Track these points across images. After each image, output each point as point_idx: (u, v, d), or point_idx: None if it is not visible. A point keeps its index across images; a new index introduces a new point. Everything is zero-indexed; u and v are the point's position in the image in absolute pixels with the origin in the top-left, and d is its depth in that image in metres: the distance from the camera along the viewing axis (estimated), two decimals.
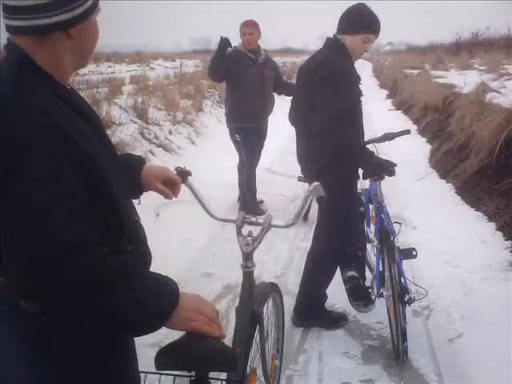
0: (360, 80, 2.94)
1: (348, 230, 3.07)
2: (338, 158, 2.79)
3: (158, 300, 1.13)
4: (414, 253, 2.95)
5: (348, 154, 2.76)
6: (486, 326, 2.94)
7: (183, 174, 1.75)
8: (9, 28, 1.14)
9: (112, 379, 1.24)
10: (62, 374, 1.15)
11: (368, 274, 3.29)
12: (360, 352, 2.88)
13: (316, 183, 1.81)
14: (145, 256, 1.35)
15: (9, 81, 1.10)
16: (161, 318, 1.14)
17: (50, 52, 1.15)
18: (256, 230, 1.79)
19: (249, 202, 5.26)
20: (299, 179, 4.32)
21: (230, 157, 5.86)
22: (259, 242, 1.76)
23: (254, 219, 1.82)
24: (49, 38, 1.13)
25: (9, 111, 1.04)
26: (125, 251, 1.24)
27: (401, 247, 2.93)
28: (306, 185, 3.58)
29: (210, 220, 1.97)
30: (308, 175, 3.14)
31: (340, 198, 2.83)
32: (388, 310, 2.92)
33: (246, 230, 1.80)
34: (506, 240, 4.08)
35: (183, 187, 1.74)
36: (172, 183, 1.61)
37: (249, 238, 1.77)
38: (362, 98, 2.94)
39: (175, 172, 1.71)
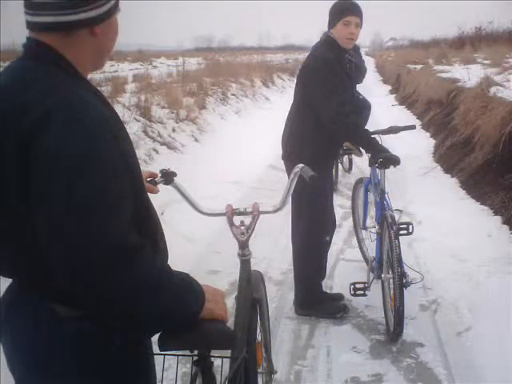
0: (361, 69, 3.04)
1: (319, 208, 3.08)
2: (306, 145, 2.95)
3: (194, 297, 1.18)
4: (410, 228, 2.95)
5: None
6: (493, 319, 2.94)
7: (168, 176, 1.80)
8: (33, 25, 1.10)
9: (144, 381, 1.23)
10: (96, 377, 1.12)
11: (364, 266, 3.32)
12: (368, 347, 2.88)
13: (301, 165, 1.86)
14: (165, 252, 1.36)
15: (57, 80, 1.06)
16: (197, 313, 1.19)
17: (76, 50, 1.12)
18: (247, 219, 1.85)
19: None
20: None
21: (232, 154, 5.87)
22: (252, 230, 1.83)
23: (242, 209, 1.88)
24: (76, 35, 1.11)
25: (73, 114, 1.01)
26: (162, 250, 1.27)
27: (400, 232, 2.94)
28: None
29: (214, 218, 1.99)
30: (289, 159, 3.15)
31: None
32: (384, 293, 2.98)
33: (237, 220, 1.88)
34: None
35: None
36: (151, 177, 1.71)
37: (242, 228, 1.84)
38: (364, 94, 2.99)
39: (160, 174, 1.76)
